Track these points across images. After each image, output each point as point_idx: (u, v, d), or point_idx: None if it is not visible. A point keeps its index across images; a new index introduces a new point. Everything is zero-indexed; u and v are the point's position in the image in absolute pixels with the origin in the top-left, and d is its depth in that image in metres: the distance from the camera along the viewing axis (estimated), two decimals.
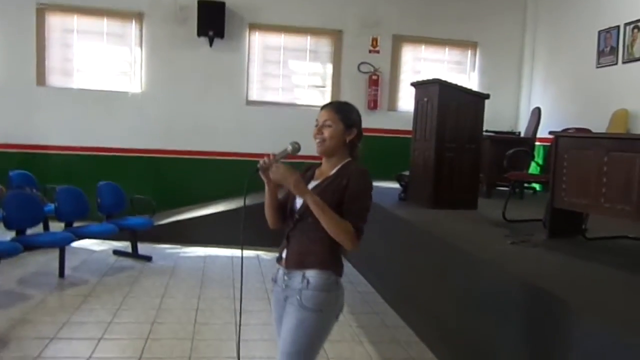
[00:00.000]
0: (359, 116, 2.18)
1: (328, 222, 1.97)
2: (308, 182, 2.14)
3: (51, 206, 5.55)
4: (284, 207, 2.18)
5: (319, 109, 2.17)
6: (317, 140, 2.11)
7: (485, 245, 3.61)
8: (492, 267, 3.14)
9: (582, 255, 3.35)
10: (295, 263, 2.09)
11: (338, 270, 2.10)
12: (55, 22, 7.27)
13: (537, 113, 6.59)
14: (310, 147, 2.20)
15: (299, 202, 2.12)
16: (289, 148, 2.08)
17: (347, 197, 2.02)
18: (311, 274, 2.04)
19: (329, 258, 2.06)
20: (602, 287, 2.77)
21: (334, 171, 2.11)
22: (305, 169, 2.23)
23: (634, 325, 2.19)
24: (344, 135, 2.11)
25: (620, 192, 3.21)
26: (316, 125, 2.13)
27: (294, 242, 2.11)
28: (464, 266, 3.48)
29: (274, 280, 2.21)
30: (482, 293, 3.20)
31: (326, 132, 2.09)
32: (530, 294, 2.72)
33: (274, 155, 2.04)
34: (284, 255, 2.14)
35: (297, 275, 2.06)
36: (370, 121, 7.90)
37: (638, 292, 2.71)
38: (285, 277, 2.11)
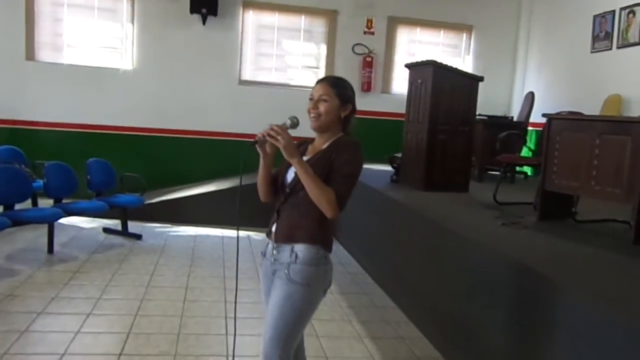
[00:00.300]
0: (354, 92, 2.17)
1: (311, 185, 1.95)
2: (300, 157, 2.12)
3: (40, 182, 5.48)
4: (276, 181, 2.18)
5: (314, 83, 2.15)
6: (312, 116, 2.09)
7: (475, 226, 3.62)
8: (482, 248, 3.15)
9: (571, 237, 3.37)
10: (284, 237, 2.08)
11: (327, 246, 2.10)
12: None
13: (530, 98, 6.58)
14: (305, 130, 2.18)
15: (290, 175, 2.12)
16: (288, 122, 2.06)
17: (335, 165, 2.01)
18: (300, 248, 2.04)
19: (319, 233, 2.06)
20: (589, 267, 2.79)
21: (325, 146, 2.11)
22: (297, 144, 2.20)
23: (619, 303, 2.21)
24: (339, 110, 2.10)
25: (611, 174, 3.22)
26: (311, 99, 2.11)
27: (284, 216, 2.11)
28: (454, 247, 3.49)
29: (263, 254, 2.21)
30: (471, 273, 3.22)
31: (322, 107, 2.07)
32: (519, 273, 2.73)
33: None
34: (273, 229, 2.14)
35: (286, 250, 2.07)
36: (363, 103, 7.82)
37: (624, 272, 2.73)
38: (274, 251, 2.11)
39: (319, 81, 2.14)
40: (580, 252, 3.07)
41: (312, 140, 2.20)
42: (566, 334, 2.31)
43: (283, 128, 1.98)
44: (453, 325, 3.37)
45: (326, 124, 2.09)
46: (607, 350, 2.06)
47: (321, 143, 2.13)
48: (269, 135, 1.96)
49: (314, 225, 2.05)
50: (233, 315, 3.79)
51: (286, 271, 2.05)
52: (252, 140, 2.01)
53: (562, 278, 2.49)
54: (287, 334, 2.05)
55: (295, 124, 2.07)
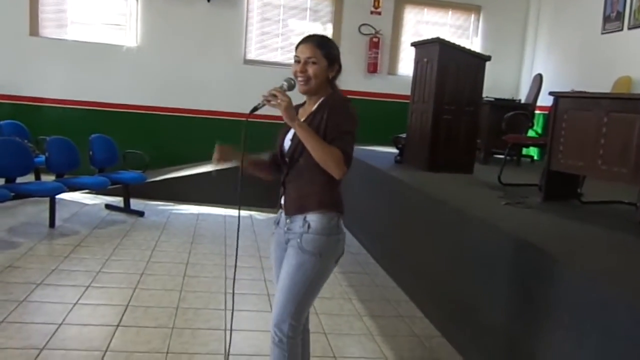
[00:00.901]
0: (339, 50, 2.11)
1: (315, 146, 1.90)
2: None
3: (42, 158, 5.47)
4: (274, 163, 2.18)
5: (297, 44, 2.06)
6: (300, 79, 2.03)
7: (478, 205, 3.57)
8: (484, 226, 3.10)
9: (575, 217, 3.31)
10: (295, 208, 2.06)
11: (339, 208, 2.07)
12: None
13: (538, 80, 6.47)
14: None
15: (287, 144, 2.09)
16: (285, 85, 2.02)
17: (330, 125, 1.96)
18: (312, 217, 2.02)
19: (328, 197, 2.04)
20: (592, 245, 2.74)
21: (315, 106, 2.07)
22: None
23: (622, 280, 2.17)
24: (327, 71, 2.05)
25: (618, 154, 3.14)
26: (297, 61, 2.04)
27: (290, 188, 2.09)
28: (455, 225, 3.44)
29: (276, 223, 2.20)
30: (473, 252, 3.17)
31: (311, 70, 2.01)
32: (520, 250, 2.68)
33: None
34: (282, 202, 2.13)
35: (299, 219, 2.05)
36: (369, 85, 7.86)
37: (628, 251, 2.68)
38: (287, 221, 2.09)
39: (303, 41, 2.06)
40: (583, 231, 3.03)
41: (302, 104, 2.16)
42: (568, 311, 2.27)
43: (282, 91, 1.94)
44: (454, 304, 3.34)
45: (316, 87, 2.04)
46: (609, 327, 2.02)
47: (312, 105, 2.09)
48: (269, 99, 1.92)
49: (322, 190, 2.03)
50: (232, 291, 3.79)
51: (299, 240, 2.03)
52: (254, 106, 2.00)
53: (564, 255, 2.45)
54: (299, 302, 2.04)
55: (292, 85, 2.03)
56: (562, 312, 2.29)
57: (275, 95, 1.91)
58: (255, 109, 2.00)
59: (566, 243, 2.71)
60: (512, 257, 2.76)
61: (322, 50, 2.02)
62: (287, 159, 2.08)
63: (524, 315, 2.59)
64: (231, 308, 2.78)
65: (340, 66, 2.09)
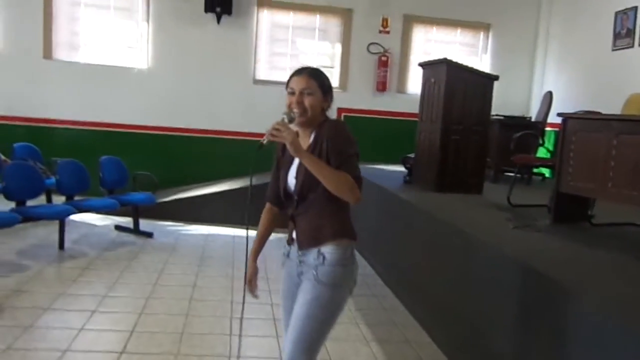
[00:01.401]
0: (330, 80, 2.11)
1: (327, 176, 1.87)
2: (290, 160, 2.06)
3: (53, 179, 5.53)
4: (278, 197, 2.15)
5: (290, 76, 2.05)
6: (296, 111, 1.99)
7: (486, 229, 3.51)
8: (492, 251, 3.05)
9: (585, 241, 3.25)
10: (308, 241, 2.03)
11: (352, 235, 2.06)
12: None
13: (548, 97, 6.41)
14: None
15: (291, 181, 2.06)
16: (286, 118, 1.99)
17: (333, 153, 1.93)
18: (327, 249, 1.99)
19: (341, 226, 2.02)
20: (601, 271, 2.67)
21: (312, 138, 2.03)
22: (282, 146, 2.06)
23: (634, 310, 2.10)
24: (322, 103, 2.03)
25: (629, 176, 3.08)
26: (291, 93, 2.00)
27: (301, 221, 2.05)
28: (461, 250, 3.39)
29: (287, 255, 2.15)
30: (481, 277, 3.12)
31: (307, 101, 1.98)
32: (528, 277, 2.63)
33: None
34: (294, 236, 2.09)
35: (312, 252, 2.01)
36: (378, 103, 7.87)
37: (638, 278, 2.61)
38: (299, 253, 2.06)
39: (297, 73, 2.04)
40: (592, 257, 2.96)
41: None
42: (578, 340, 2.21)
43: (285, 124, 1.92)
44: (462, 329, 3.28)
45: (311, 119, 2.02)
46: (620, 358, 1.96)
47: (306, 136, 2.05)
48: (273, 134, 1.88)
49: (334, 220, 2.01)
50: (238, 316, 3.76)
51: (314, 272, 1.99)
52: (259, 143, 1.94)
53: (572, 281, 2.39)
54: (314, 337, 2.00)
55: (292, 118, 2.00)
56: (572, 342, 2.23)
57: (279, 130, 1.87)
58: (261, 146, 1.94)
59: (575, 269, 2.65)
60: (519, 284, 2.70)
61: (316, 81, 2.02)
62: (296, 197, 2.04)
63: (533, 343, 2.53)
64: (238, 334, 2.75)
65: (333, 97, 2.09)
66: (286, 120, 1.97)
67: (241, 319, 2.13)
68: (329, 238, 1.99)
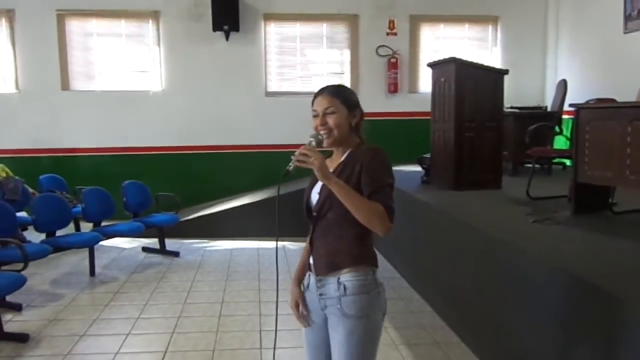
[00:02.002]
0: (356, 95, 2.01)
1: (356, 204, 1.78)
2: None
3: (79, 207, 5.69)
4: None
5: (313, 98, 1.96)
6: (323, 132, 1.90)
7: (505, 225, 3.52)
8: (511, 249, 3.05)
9: (607, 231, 3.23)
10: (325, 268, 1.92)
11: (373, 261, 1.93)
12: (75, 26, 7.41)
13: (563, 85, 6.34)
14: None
15: (314, 197, 1.97)
16: (313, 142, 1.88)
17: (365, 179, 1.83)
18: (346, 277, 1.87)
19: (360, 252, 1.90)
20: (626, 263, 2.65)
21: (344, 157, 1.95)
22: None
23: None
24: (349, 119, 1.93)
25: None
26: (315, 116, 1.93)
27: (319, 245, 1.95)
28: (483, 248, 3.40)
29: (306, 287, 2.03)
30: (502, 275, 3.12)
31: (331, 121, 1.90)
32: (549, 274, 2.63)
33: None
34: (311, 261, 1.99)
35: (331, 281, 1.89)
36: (391, 105, 7.88)
37: None
38: (318, 284, 1.93)
39: (319, 93, 1.96)
40: (616, 247, 2.93)
41: (329, 153, 2.01)
42: (601, 336, 2.21)
43: (312, 148, 1.82)
44: (488, 328, 3.28)
45: (340, 138, 1.92)
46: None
47: (339, 156, 1.97)
48: (300, 160, 1.78)
49: (353, 245, 1.89)
50: (267, 329, 3.83)
51: (338, 306, 1.87)
52: (285, 170, 1.83)
53: (596, 277, 2.38)
54: None
55: (320, 140, 1.91)
56: (600, 338, 2.23)
57: (306, 155, 1.77)
58: (287, 173, 1.82)
59: (596, 262, 2.64)
60: (541, 281, 2.70)
61: (338, 98, 1.92)
62: (315, 213, 1.94)
63: (559, 339, 2.52)
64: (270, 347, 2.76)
65: (362, 111, 1.99)
66: (314, 144, 1.88)
67: (275, 331, 2.08)
68: (347, 264, 1.88)
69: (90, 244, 5.01)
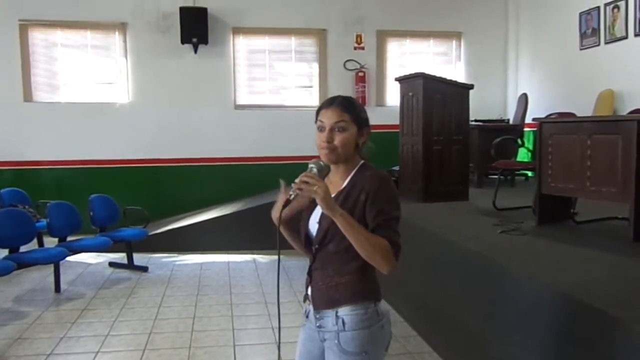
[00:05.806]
0: (366, 111, 1.82)
1: (360, 239, 1.64)
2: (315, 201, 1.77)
3: (44, 222, 5.54)
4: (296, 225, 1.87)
5: (319, 107, 1.79)
6: (325, 150, 1.73)
7: (474, 236, 3.62)
8: (481, 258, 3.15)
9: (570, 240, 3.37)
10: (324, 302, 1.79)
11: (375, 295, 1.80)
12: (39, 37, 7.25)
13: (524, 99, 6.60)
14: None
15: (313, 227, 1.82)
16: (314, 169, 1.73)
17: (371, 211, 1.68)
18: (344, 312, 1.75)
19: (362, 286, 1.77)
20: (586, 269, 2.77)
21: (347, 181, 1.78)
22: None
23: (617, 303, 2.20)
24: (356, 138, 1.75)
25: (605, 174, 3.23)
26: (321, 130, 1.74)
27: (318, 277, 1.81)
28: (454, 258, 3.49)
29: (306, 315, 1.92)
30: (472, 285, 3.21)
31: (338, 139, 1.71)
32: (519, 283, 2.72)
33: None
34: (309, 292, 1.87)
35: (329, 315, 1.77)
36: None
37: (621, 272, 2.71)
38: (317, 316, 1.82)
39: (328, 104, 1.76)
40: (578, 254, 3.07)
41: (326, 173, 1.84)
42: (567, 339, 2.30)
43: (314, 176, 1.67)
44: (460, 337, 3.36)
45: (344, 157, 1.75)
46: (605, 353, 2.05)
47: (339, 177, 1.80)
48: (301, 188, 1.63)
49: (353, 280, 1.75)
50: (240, 344, 3.81)
51: (336, 341, 1.75)
52: (286, 198, 1.70)
53: (560, 283, 2.48)
54: None
55: (322, 167, 1.75)
56: (563, 341, 2.32)
57: (307, 182, 1.62)
58: (288, 202, 1.70)
59: (565, 273, 2.76)
60: (513, 291, 2.79)
61: (350, 113, 1.73)
62: (316, 245, 1.79)
63: (534, 350, 2.60)
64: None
65: (369, 130, 1.80)
66: (315, 171, 1.72)
67: (279, 345, 1.95)
68: (346, 299, 1.75)
69: (56, 260, 4.87)
